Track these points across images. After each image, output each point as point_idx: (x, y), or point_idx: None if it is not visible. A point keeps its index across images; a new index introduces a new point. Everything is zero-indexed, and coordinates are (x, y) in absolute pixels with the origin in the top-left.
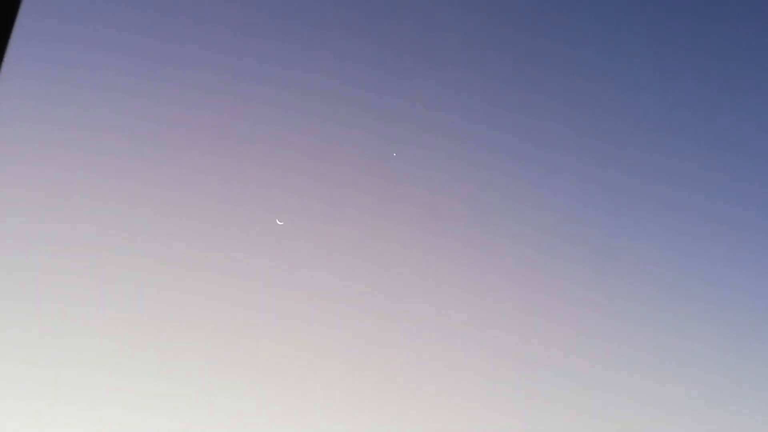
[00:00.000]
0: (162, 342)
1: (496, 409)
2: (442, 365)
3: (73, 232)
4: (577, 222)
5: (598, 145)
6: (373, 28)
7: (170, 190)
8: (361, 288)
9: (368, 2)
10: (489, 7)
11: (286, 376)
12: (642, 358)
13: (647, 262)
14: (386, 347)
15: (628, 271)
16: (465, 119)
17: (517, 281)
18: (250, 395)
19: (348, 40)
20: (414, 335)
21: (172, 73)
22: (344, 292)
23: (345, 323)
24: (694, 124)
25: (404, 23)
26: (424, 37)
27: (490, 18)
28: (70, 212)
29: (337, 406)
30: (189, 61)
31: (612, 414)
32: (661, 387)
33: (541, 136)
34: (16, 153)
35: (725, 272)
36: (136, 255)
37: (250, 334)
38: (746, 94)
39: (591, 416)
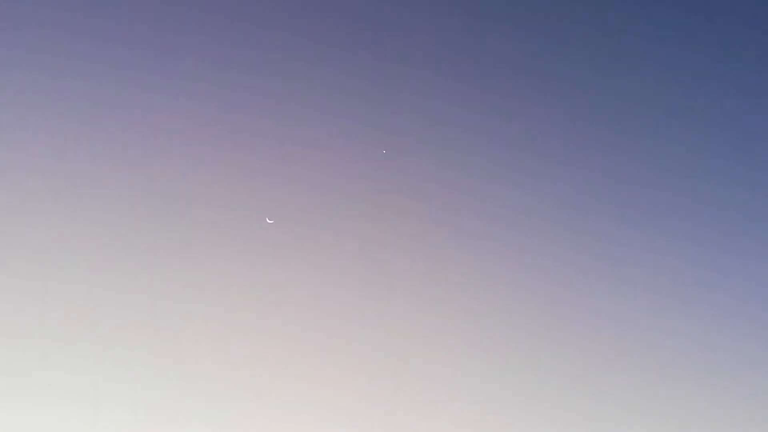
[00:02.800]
0: (150, 338)
1: (495, 407)
2: (437, 362)
3: (61, 230)
4: (578, 221)
5: (598, 144)
6: (370, 26)
7: (161, 189)
8: (353, 285)
9: (368, 4)
10: (491, 4)
11: (277, 371)
12: (643, 358)
13: (650, 261)
14: (377, 344)
15: (630, 270)
16: (465, 117)
17: (515, 280)
18: (240, 391)
19: (344, 40)
20: (407, 331)
21: (158, 76)
22: (335, 289)
23: (337, 320)
24: (695, 123)
25: (401, 20)
26: (422, 35)
27: (492, 14)
28: (60, 214)
29: (330, 405)
30: (176, 66)
31: (612, 414)
32: (662, 387)
33: (541, 134)
34: (10, 153)
35: (726, 272)
36: (124, 255)
37: (241, 330)
38: (751, 94)
39: (591, 415)
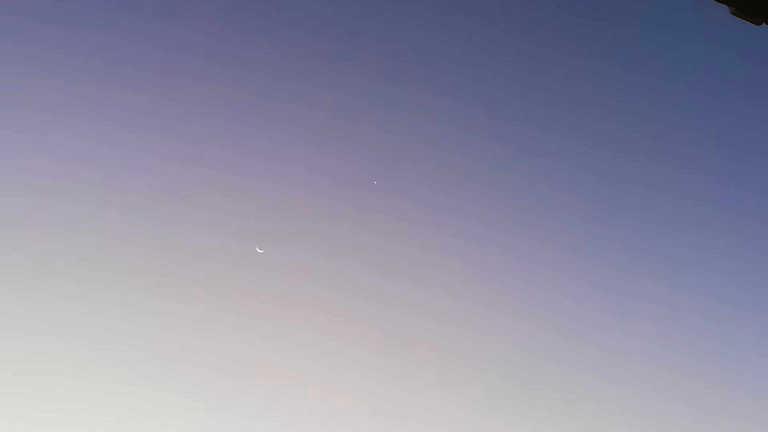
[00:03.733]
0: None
1: (494, 409)
2: (436, 378)
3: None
4: (577, 224)
5: (595, 151)
6: (368, 37)
7: (153, 214)
8: (343, 316)
9: (367, 12)
10: (486, 14)
11: (267, 402)
12: (641, 366)
13: (649, 270)
14: (370, 377)
15: (628, 281)
16: (459, 129)
17: (513, 283)
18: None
19: (338, 63)
20: (404, 365)
21: (143, 101)
22: (326, 320)
23: (327, 352)
24: (693, 127)
25: (398, 32)
26: (418, 45)
27: (487, 25)
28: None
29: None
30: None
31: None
32: (661, 394)
33: (537, 143)
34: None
35: (726, 274)
36: (114, 286)
37: (232, 363)
38: (746, 99)
39: (589, 417)
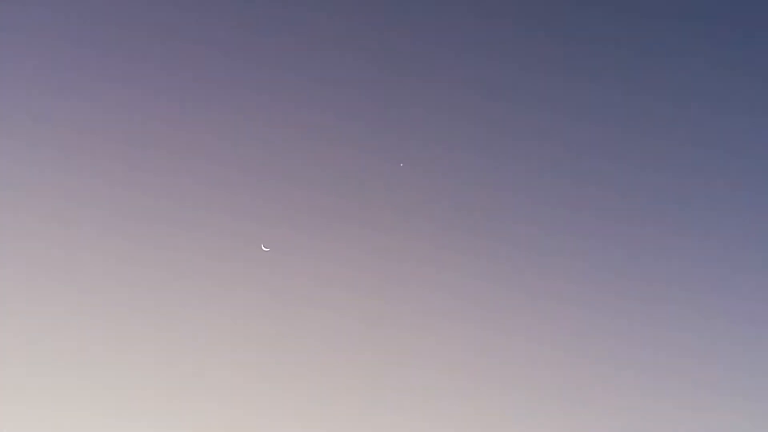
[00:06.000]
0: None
1: (493, 410)
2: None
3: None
4: (578, 224)
5: (598, 148)
6: (375, 29)
7: (157, 213)
8: (350, 315)
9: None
10: (491, 10)
11: (272, 401)
12: (642, 361)
13: (650, 264)
14: (377, 380)
15: (629, 275)
16: (465, 124)
17: (514, 282)
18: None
19: (355, 45)
20: (408, 369)
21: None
22: (332, 318)
23: (334, 350)
24: (694, 125)
25: (408, 25)
26: (425, 41)
27: (494, 20)
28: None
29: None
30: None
31: (612, 416)
32: (661, 389)
33: (542, 140)
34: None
35: (727, 273)
36: (115, 287)
37: (235, 364)
38: (748, 97)
39: (589, 416)
